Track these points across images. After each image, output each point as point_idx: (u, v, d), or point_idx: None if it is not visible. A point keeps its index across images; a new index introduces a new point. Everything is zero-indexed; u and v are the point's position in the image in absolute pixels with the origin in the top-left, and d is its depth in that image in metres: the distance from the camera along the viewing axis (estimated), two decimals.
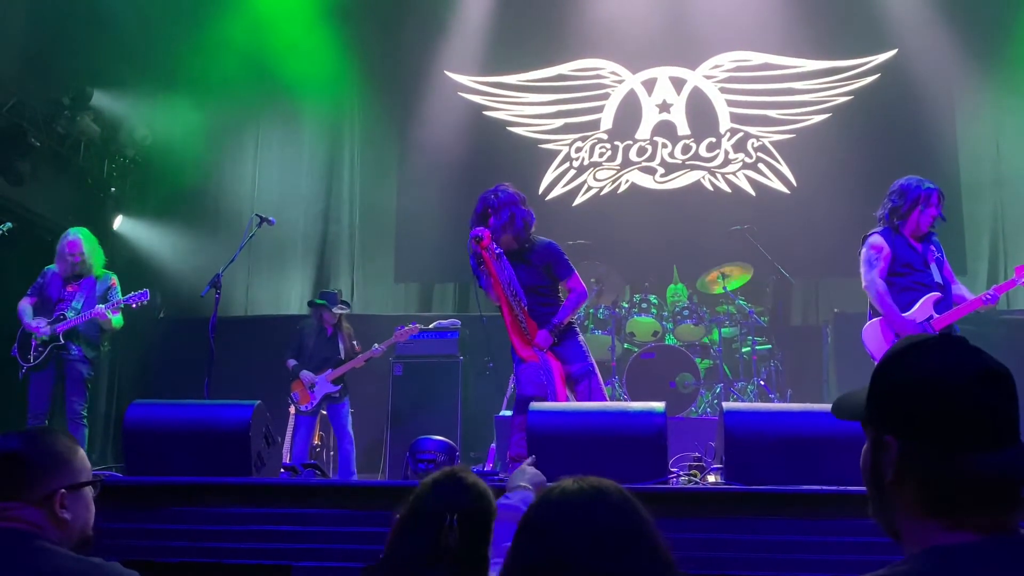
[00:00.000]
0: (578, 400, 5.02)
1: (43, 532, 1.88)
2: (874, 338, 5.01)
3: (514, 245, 4.97)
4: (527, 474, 2.35)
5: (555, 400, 4.77)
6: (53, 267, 6.40)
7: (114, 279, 6.44)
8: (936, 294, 4.92)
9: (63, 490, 1.92)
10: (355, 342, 7.23)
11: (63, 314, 6.20)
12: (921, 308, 4.91)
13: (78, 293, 6.28)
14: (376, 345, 7.14)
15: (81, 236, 6.36)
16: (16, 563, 1.82)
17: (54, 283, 6.33)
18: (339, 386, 7.07)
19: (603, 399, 4.95)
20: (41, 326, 6.15)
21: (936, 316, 4.89)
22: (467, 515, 1.98)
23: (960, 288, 5.09)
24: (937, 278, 4.96)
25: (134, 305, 6.35)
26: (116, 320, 6.32)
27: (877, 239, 5.03)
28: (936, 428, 1.22)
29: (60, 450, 1.97)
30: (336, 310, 7.17)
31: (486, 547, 2.01)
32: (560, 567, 1.34)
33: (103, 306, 6.18)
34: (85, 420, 6.23)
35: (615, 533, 1.37)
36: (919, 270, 4.95)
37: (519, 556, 1.41)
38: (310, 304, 7.48)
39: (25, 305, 6.30)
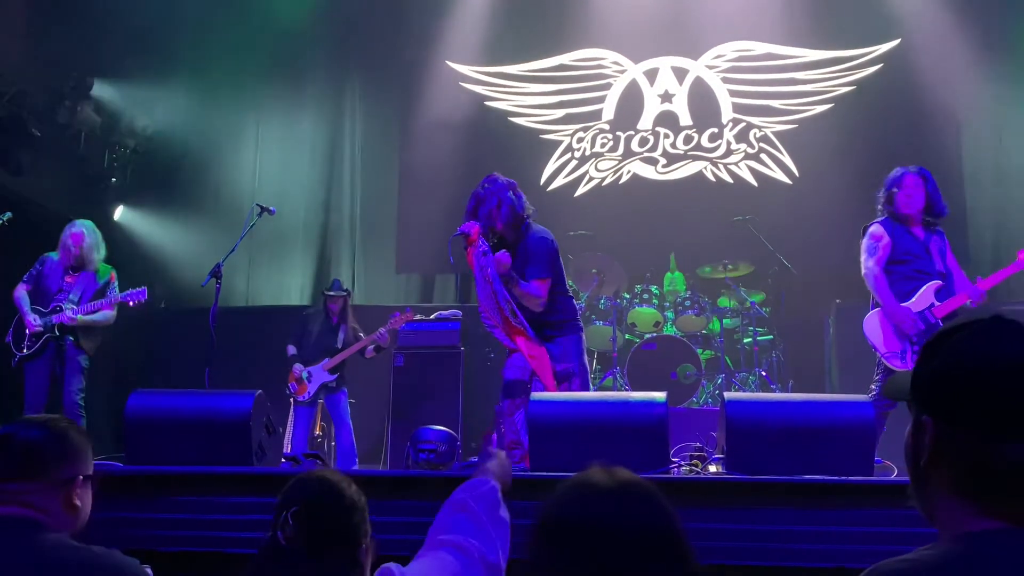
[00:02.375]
0: None
1: (50, 518, 1.93)
2: (874, 328, 5.02)
3: (511, 234, 4.78)
4: (496, 458, 2.26)
5: (540, 385, 4.65)
6: (53, 255, 6.34)
7: (113, 274, 6.39)
8: (937, 282, 4.93)
9: (81, 477, 2.01)
10: (360, 333, 7.23)
11: (60, 305, 6.16)
12: (922, 296, 4.92)
13: (76, 286, 6.23)
14: (381, 329, 7.12)
15: (85, 229, 6.30)
16: (19, 551, 1.84)
17: (53, 272, 6.27)
18: (335, 376, 7.07)
19: None
20: (35, 324, 6.13)
21: (937, 304, 4.90)
22: (306, 508, 1.97)
23: (963, 278, 5.06)
24: (940, 266, 4.96)
25: (131, 303, 6.31)
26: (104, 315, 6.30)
27: (877, 228, 5.07)
28: (972, 414, 1.20)
29: (78, 440, 2.04)
30: (332, 292, 7.21)
31: (341, 539, 1.97)
32: (586, 571, 1.26)
33: (85, 316, 6.15)
34: (83, 410, 6.19)
35: (650, 537, 1.29)
36: (920, 257, 4.96)
37: (540, 555, 1.32)
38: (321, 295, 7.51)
39: (21, 292, 6.24)
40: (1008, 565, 1.15)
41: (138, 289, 6.30)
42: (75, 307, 6.15)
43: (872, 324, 5.03)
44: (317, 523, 1.96)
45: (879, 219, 5.12)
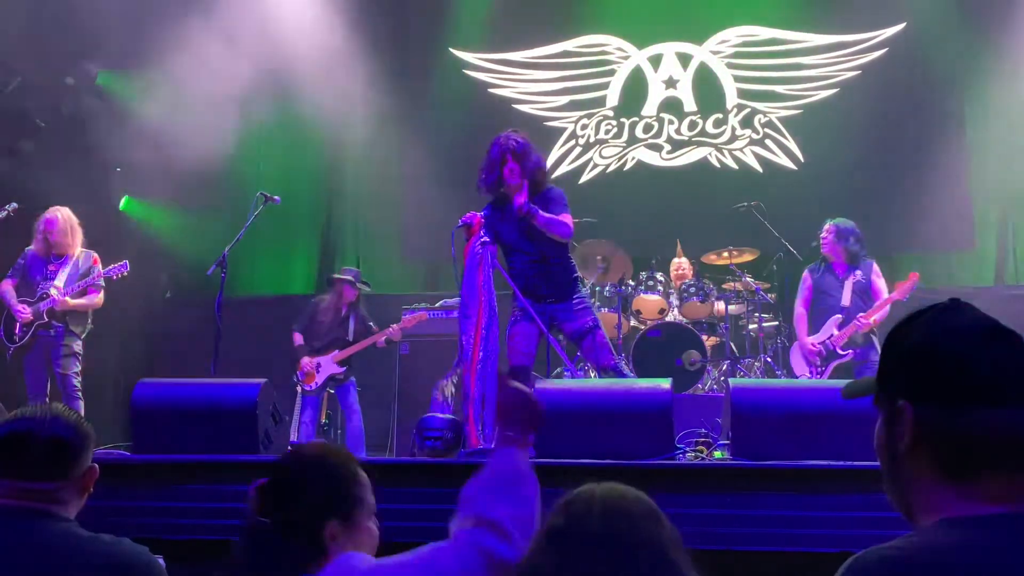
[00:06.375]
0: (584, 356, 5.08)
1: (65, 508, 1.94)
2: (794, 355, 6.35)
3: (538, 187, 5.03)
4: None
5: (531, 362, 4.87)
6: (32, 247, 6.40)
7: (95, 257, 6.43)
8: (839, 316, 6.05)
9: (94, 464, 2.02)
10: (371, 323, 7.23)
11: (46, 292, 6.20)
12: (825, 328, 6.10)
13: (60, 271, 6.28)
14: (393, 326, 7.14)
15: (59, 215, 6.34)
16: (28, 541, 1.85)
17: (35, 263, 6.33)
18: (344, 368, 7.07)
19: (608, 354, 4.91)
20: (24, 313, 6.15)
21: (836, 334, 6.01)
22: (273, 481, 1.86)
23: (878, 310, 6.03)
24: (845, 302, 6.08)
25: (115, 277, 6.36)
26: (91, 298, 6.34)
27: (805, 274, 6.46)
28: (949, 386, 1.20)
29: (88, 429, 2.04)
30: (360, 286, 7.20)
31: (305, 515, 1.80)
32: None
33: (72, 299, 6.18)
34: (80, 393, 6.23)
35: (635, 556, 1.31)
36: (829, 296, 6.19)
37: (540, 562, 1.35)
38: (330, 280, 7.47)
39: (7, 287, 6.30)
40: (996, 551, 1.15)
41: (119, 264, 6.34)
42: (61, 291, 6.18)
43: (793, 351, 6.42)
44: (281, 496, 1.82)
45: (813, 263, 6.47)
